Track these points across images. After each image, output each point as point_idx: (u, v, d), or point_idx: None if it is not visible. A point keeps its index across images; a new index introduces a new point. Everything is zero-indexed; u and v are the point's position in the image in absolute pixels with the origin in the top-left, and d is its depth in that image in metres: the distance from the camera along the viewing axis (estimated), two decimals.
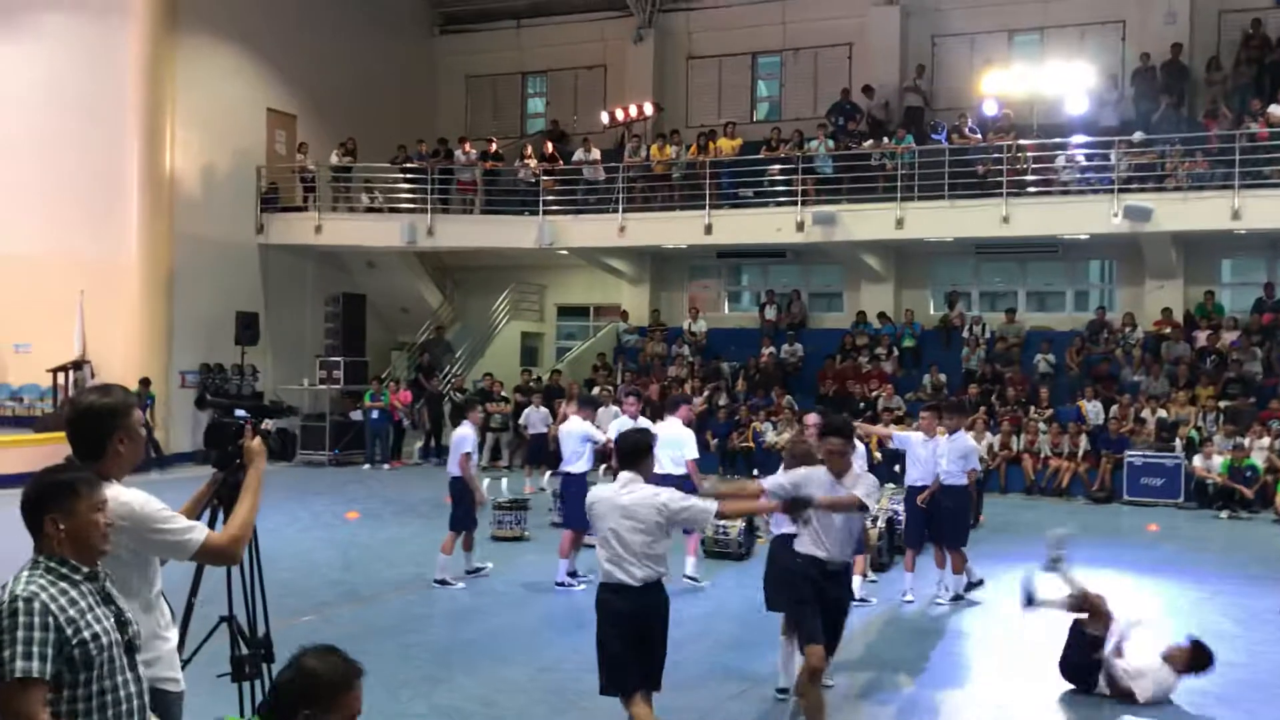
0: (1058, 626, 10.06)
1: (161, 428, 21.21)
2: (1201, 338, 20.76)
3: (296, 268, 25.08)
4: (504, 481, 17.05)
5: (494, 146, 25.34)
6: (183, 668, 4.23)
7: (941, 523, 10.79)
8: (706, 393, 22.17)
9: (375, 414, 22.59)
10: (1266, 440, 17.94)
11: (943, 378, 21.51)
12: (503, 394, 22.92)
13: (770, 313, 24.70)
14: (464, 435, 11.67)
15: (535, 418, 20.20)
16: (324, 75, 25.47)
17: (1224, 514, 17.15)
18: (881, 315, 23.53)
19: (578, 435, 11.75)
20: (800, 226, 21.84)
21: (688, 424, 11.64)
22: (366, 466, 22.20)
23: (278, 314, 24.38)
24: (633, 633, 6.03)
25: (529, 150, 24.96)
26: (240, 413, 4.53)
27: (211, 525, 4.25)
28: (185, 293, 22.26)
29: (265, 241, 24.41)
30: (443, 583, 11.37)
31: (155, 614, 3.99)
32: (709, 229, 22.59)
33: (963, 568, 10.92)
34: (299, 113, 25.50)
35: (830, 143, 22.72)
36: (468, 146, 25.00)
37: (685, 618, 10.00)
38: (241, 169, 24.00)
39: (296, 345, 24.83)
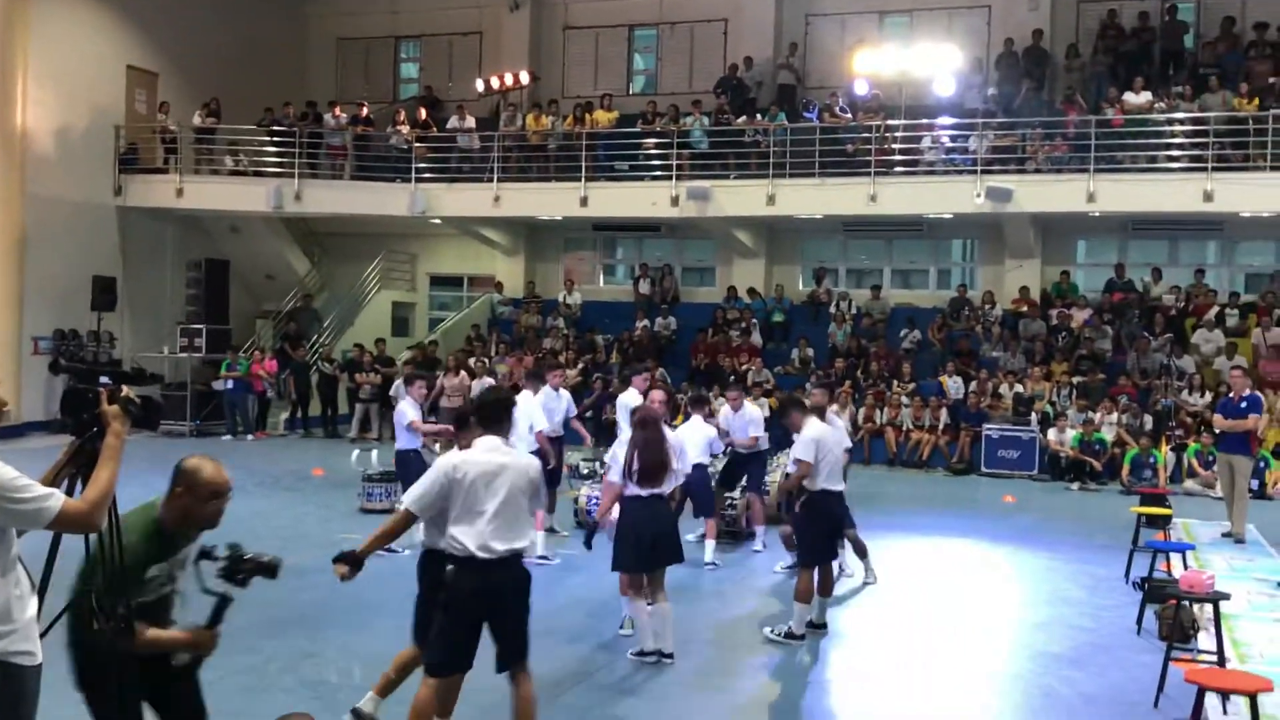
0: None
1: (11, 394, 20.33)
2: (1055, 315, 21.56)
3: (156, 231, 24.19)
4: (374, 453, 16.85)
5: (365, 111, 24.79)
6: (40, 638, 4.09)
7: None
8: (581, 365, 22.19)
9: (230, 384, 21.99)
10: (1115, 415, 18.77)
11: (810, 352, 21.96)
12: (374, 365, 22.53)
13: (644, 286, 24.78)
14: (402, 410, 11.64)
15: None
16: (188, 33, 24.48)
17: (1075, 486, 17.89)
18: (751, 290, 23.83)
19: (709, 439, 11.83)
20: (674, 201, 21.95)
21: (555, 389, 12.53)
22: (227, 438, 21.63)
23: (137, 279, 23.49)
24: (497, 609, 5.70)
25: (401, 116, 24.52)
26: (103, 379, 4.38)
27: (70, 494, 4.09)
28: (38, 255, 21.30)
29: (124, 204, 23.47)
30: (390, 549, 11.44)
31: (11, 583, 3.84)
32: (584, 201, 22.56)
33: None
34: (161, 71, 24.53)
35: (705, 119, 22.88)
36: (338, 110, 24.45)
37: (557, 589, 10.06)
38: (99, 128, 23.01)
39: (156, 312, 23.97)
